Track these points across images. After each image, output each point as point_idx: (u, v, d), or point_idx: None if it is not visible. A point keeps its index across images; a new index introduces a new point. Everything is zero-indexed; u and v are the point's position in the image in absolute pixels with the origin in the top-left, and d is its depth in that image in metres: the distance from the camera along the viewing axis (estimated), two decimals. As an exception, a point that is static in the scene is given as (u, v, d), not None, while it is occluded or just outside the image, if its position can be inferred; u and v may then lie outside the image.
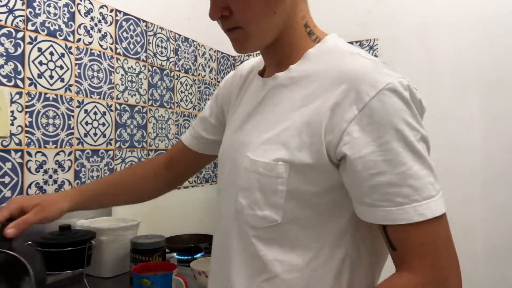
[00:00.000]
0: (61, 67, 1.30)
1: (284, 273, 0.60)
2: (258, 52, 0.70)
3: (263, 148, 0.61)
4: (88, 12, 1.40)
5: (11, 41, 1.16)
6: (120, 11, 1.52)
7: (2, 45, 1.14)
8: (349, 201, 0.58)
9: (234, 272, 0.64)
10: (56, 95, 1.29)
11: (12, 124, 1.16)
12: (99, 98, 1.44)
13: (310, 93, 0.59)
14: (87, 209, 0.86)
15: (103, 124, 1.45)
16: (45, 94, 1.25)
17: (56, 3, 1.29)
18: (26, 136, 1.20)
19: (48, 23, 1.26)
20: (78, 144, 1.36)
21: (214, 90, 2.07)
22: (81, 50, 1.37)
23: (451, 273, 0.52)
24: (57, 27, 1.29)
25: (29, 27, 1.21)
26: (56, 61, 1.29)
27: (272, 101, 0.65)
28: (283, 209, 0.59)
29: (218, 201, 0.73)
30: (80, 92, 1.37)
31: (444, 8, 1.75)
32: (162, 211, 1.67)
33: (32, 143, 1.21)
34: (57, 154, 1.29)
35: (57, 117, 1.29)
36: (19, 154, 1.18)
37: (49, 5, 1.27)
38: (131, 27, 1.57)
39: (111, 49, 1.48)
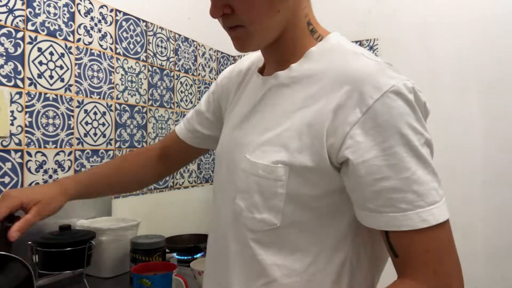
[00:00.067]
0: (61, 67, 1.30)
1: (283, 278, 0.59)
2: None
3: (263, 149, 0.60)
4: (88, 12, 1.40)
5: (11, 41, 1.16)
6: (120, 11, 1.52)
7: (2, 45, 1.14)
8: (350, 205, 0.57)
9: (231, 275, 0.63)
10: (56, 95, 1.29)
11: (12, 124, 1.16)
12: (99, 98, 1.44)
13: (312, 94, 0.58)
14: (82, 198, 0.86)
15: (103, 124, 1.45)
16: (45, 94, 1.25)
17: (56, 3, 1.29)
18: (26, 136, 1.20)
19: (48, 23, 1.26)
20: (78, 144, 1.36)
21: (214, 90, 2.07)
22: (81, 50, 1.37)
23: (454, 279, 0.52)
24: (57, 27, 1.29)
25: (29, 27, 1.21)
26: (56, 61, 1.29)
27: (272, 101, 0.64)
28: (282, 212, 0.58)
29: (215, 201, 0.71)
30: (80, 92, 1.37)
31: (444, 8, 1.75)
32: (162, 211, 1.67)
33: (32, 143, 1.21)
34: (57, 154, 1.29)
35: (57, 117, 1.29)
36: (19, 154, 1.18)
37: (49, 5, 1.27)
38: (131, 27, 1.57)
39: (111, 49, 1.48)
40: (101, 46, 1.44)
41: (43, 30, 1.25)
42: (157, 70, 1.71)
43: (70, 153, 1.33)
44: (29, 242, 1.04)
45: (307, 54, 0.62)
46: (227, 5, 0.59)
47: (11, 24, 1.16)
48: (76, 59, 1.35)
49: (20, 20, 1.19)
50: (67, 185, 0.81)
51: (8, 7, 1.16)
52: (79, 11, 1.36)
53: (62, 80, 1.31)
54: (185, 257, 1.47)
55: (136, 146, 1.59)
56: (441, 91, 1.72)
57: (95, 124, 1.42)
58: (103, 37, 1.45)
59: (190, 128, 0.88)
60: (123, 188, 0.99)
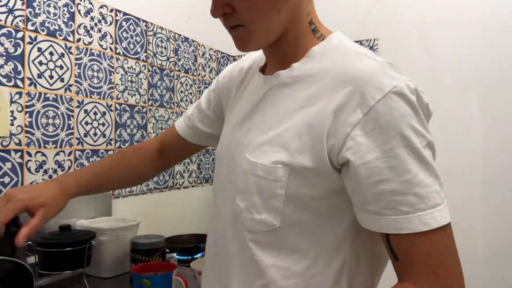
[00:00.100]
0: (61, 67, 1.30)
1: (282, 279, 0.58)
2: None
3: (263, 149, 0.59)
4: (88, 12, 1.40)
5: (11, 41, 1.16)
6: (120, 11, 1.52)
7: (2, 45, 1.14)
8: (350, 206, 0.56)
9: (231, 275, 0.63)
10: (56, 95, 1.29)
11: (12, 124, 1.16)
12: (99, 98, 1.44)
13: (313, 93, 0.57)
14: (83, 195, 0.86)
15: (103, 124, 1.45)
16: (45, 94, 1.25)
17: (56, 3, 1.29)
18: (26, 136, 1.20)
19: (48, 23, 1.26)
20: (78, 144, 1.36)
21: (214, 90, 2.07)
22: (81, 50, 1.37)
23: (455, 284, 0.51)
24: (57, 27, 1.29)
25: (29, 27, 1.21)
26: (56, 61, 1.29)
27: (273, 100, 0.63)
28: (281, 213, 0.57)
29: (215, 200, 0.71)
30: (80, 92, 1.37)
31: (444, 8, 1.75)
32: (162, 211, 1.67)
33: (32, 143, 1.21)
34: (57, 154, 1.29)
35: (57, 117, 1.29)
36: (19, 154, 1.18)
37: (49, 5, 1.26)
38: (131, 27, 1.57)
39: (111, 49, 1.48)
40: (101, 46, 1.44)
41: (43, 30, 1.25)
42: (157, 70, 1.71)
43: (70, 153, 1.33)
44: (29, 242, 1.04)
45: (308, 54, 0.62)
46: (227, 4, 0.59)
47: (11, 24, 1.16)
48: (76, 59, 1.35)
49: (20, 20, 1.19)
50: (68, 183, 0.80)
51: (8, 7, 1.16)
52: (79, 11, 1.36)
53: (62, 80, 1.31)
54: (185, 257, 1.47)
55: (136, 146, 1.59)
56: (441, 91, 1.72)
57: (95, 124, 1.42)
58: (103, 37, 1.45)
59: (191, 125, 0.87)
60: (123, 183, 1.00)
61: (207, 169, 2.02)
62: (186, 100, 1.87)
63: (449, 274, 0.51)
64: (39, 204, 0.73)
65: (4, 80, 1.14)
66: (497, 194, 1.65)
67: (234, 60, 2.24)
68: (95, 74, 1.42)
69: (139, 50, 1.61)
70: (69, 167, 1.32)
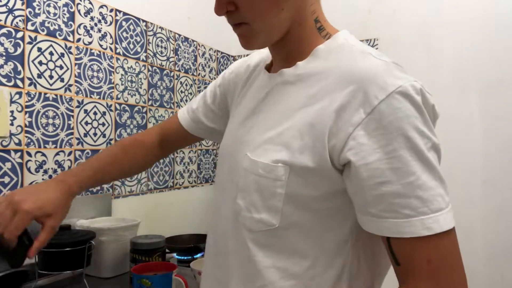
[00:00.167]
0: (61, 67, 1.30)
1: (280, 281, 0.58)
2: None
3: (264, 147, 0.59)
4: (88, 12, 1.40)
5: (10, 41, 1.16)
6: (120, 11, 1.52)
7: (2, 45, 1.14)
8: (351, 208, 0.55)
9: (230, 275, 0.62)
10: (56, 95, 1.29)
11: (12, 124, 1.16)
12: (99, 98, 1.44)
13: (316, 92, 0.57)
14: (84, 191, 0.87)
15: (103, 124, 1.45)
16: (45, 94, 1.25)
17: (56, 3, 1.29)
18: (26, 136, 1.20)
19: (48, 23, 1.26)
20: (78, 144, 1.36)
21: (214, 90, 2.06)
22: (81, 50, 1.37)
23: None
24: (56, 27, 1.29)
25: (29, 27, 1.21)
26: (56, 61, 1.29)
27: (276, 98, 0.63)
28: (281, 213, 0.56)
29: (216, 199, 0.70)
30: (80, 92, 1.37)
31: (444, 8, 1.75)
32: (162, 211, 1.67)
33: (32, 143, 1.21)
34: (57, 154, 1.29)
35: (56, 117, 1.29)
36: (18, 154, 1.18)
37: (48, 5, 1.26)
38: (131, 27, 1.57)
39: (111, 49, 1.48)
40: (101, 46, 1.44)
41: (43, 30, 1.25)
42: (157, 70, 1.71)
43: (70, 153, 1.33)
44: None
45: (314, 52, 0.61)
46: (230, 2, 0.59)
47: (11, 24, 1.16)
48: (76, 59, 1.35)
49: (20, 20, 1.18)
50: (71, 183, 0.80)
51: (8, 7, 1.16)
52: (79, 11, 1.36)
53: (62, 80, 1.31)
54: (185, 257, 1.47)
55: (136, 146, 1.59)
56: (441, 91, 1.71)
57: (95, 124, 1.42)
58: (103, 37, 1.45)
59: (195, 118, 0.87)
60: (124, 174, 1.00)
61: (207, 169, 2.02)
62: (186, 100, 1.87)
63: (450, 282, 0.49)
64: (46, 215, 0.73)
65: (4, 80, 1.14)
66: (497, 194, 1.65)
67: (234, 60, 2.24)
68: (95, 74, 1.42)
69: (139, 50, 1.61)
70: (69, 167, 1.32)
